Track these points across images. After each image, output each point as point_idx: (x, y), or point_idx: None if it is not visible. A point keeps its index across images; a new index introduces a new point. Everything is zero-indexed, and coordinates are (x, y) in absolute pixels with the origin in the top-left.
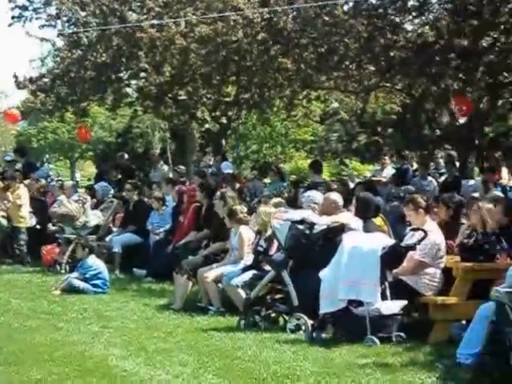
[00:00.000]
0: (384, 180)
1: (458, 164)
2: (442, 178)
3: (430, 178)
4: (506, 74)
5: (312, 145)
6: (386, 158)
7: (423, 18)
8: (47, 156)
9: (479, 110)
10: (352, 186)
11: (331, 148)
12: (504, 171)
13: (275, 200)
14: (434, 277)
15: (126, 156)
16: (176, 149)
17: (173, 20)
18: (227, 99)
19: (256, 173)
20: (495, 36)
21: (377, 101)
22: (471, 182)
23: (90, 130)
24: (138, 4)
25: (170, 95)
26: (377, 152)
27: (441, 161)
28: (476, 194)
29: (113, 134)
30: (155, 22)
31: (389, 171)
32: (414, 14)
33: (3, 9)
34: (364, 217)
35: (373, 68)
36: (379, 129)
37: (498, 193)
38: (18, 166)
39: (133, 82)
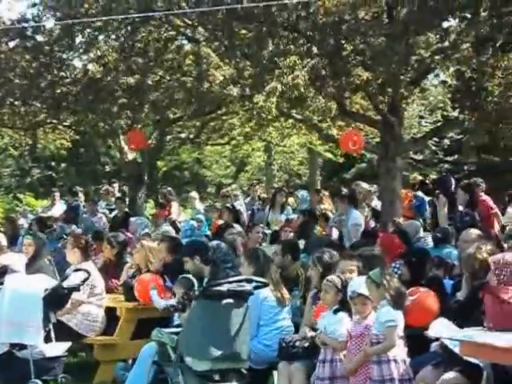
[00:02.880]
0: (56, 216)
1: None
2: (113, 213)
3: (99, 215)
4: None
5: None
6: (57, 193)
7: (91, 54)
8: None
9: (149, 145)
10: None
11: (4, 183)
12: (175, 205)
13: None
14: (96, 317)
15: None
16: None
17: None
18: None
19: None
20: (160, 74)
21: (46, 136)
22: (142, 218)
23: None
24: None
25: None
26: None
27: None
28: (147, 230)
29: None
30: None
31: (60, 207)
32: (81, 50)
33: None
34: (33, 257)
35: (39, 105)
36: (53, 163)
37: (169, 228)
38: None
39: None
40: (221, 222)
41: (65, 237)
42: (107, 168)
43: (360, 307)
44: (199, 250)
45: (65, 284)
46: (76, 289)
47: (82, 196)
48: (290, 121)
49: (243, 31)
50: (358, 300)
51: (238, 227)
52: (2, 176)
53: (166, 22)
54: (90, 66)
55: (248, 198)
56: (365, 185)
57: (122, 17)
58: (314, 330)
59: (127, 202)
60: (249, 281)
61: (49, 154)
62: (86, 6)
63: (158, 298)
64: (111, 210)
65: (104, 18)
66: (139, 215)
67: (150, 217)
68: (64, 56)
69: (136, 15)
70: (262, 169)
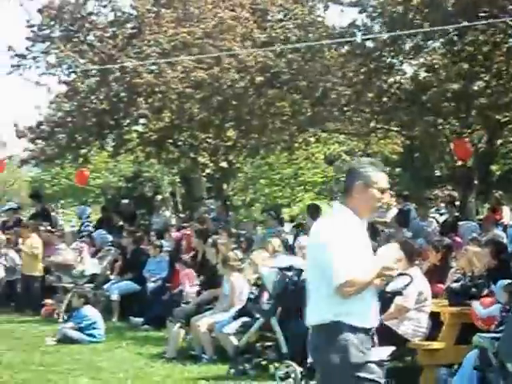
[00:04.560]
0: (388, 221)
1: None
2: (442, 217)
3: (430, 219)
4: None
5: (321, 186)
6: (392, 199)
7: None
8: (62, 202)
9: (479, 150)
10: None
11: (341, 188)
12: (506, 210)
13: (272, 245)
14: (420, 322)
15: (127, 201)
16: (185, 193)
17: (170, 59)
18: (227, 143)
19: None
20: (486, 79)
21: (378, 142)
22: (471, 222)
23: (88, 176)
24: (136, 51)
25: (170, 140)
26: None
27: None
28: (475, 234)
29: (121, 179)
30: (151, 66)
31: (394, 212)
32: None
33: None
34: None
35: (369, 111)
36: (387, 168)
37: (500, 232)
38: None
39: (133, 128)
40: None
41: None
42: (438, 172)
43: None
44: None
45: (388, 288)
46: (399, 293)
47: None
48: None
49: None
50: None
51: None
52: (339, 181)
53: (491, 25)
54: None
55: None
56: None
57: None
58: None
59: (457, 207)
60: None
61: (383, 159)
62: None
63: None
64: (441, 215)
65: (426, 30)
66: (469, 219)
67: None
68: (393, 61)
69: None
70: None
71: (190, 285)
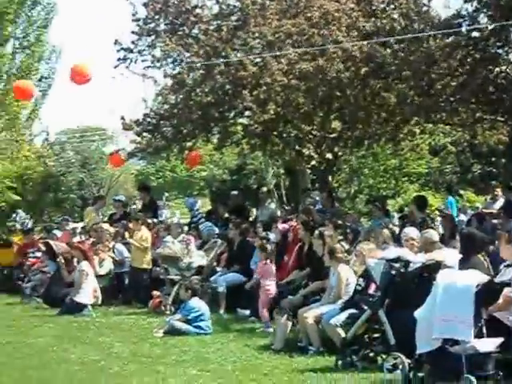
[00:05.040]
0: (495, 212)
1: None
2: None
3: None
4: None
5: (426, 177)
6: (499, 189)
7: None
8: (166, 194)
9: None
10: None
11: (445, 180)
12: None
13: (382, 236)
14: None
15: (236, 193)
16: (289, 185)
17: (276, 53)
18: (332, 135)
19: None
20: None
21: (484, 132)
22: None
23: (201, 157)
24: (241, 43)
25: (275, 132)
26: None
27: None
28: None
29: (225, 172)
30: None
31: (500, 203)
32: None
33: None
34: (466, 253)
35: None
36: (493, 159)
37: None
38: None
39: (239, 120)
40: None
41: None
42: None
43: None
44: None
45: (497, 279)
46: (507, 284)
47: None
48: None
49: None
50: None
51: None
52: (444, 173)
53: None
54: None
55: None
56: None
57: None
58: None
59: None
60: None
61: (488, 149)
62: None
63: None
64: None
65: None
66: None
67: None
68: (499, 51)
69: None
70: None
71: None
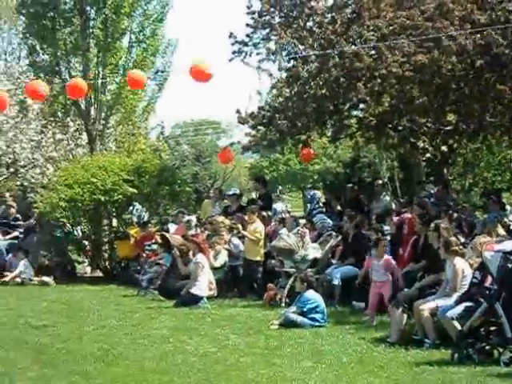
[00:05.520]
0: None
1: None
2: None
3: None
4: None
5: None
6: None
7: None
8: (280, 187)
9: None
10: None
11: None
12: None
13: (495, 230)
14: None
15: (351, 185)
16: (403, 178)
17: (390, 42)
18: (447, 128)
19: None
20: None
21: None
22: None
23: (314, 153)
24: (355, 36)
25: (390, 125)
26: None
27: None
28: None
29: (339, 165)
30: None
31: None
32: None
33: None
34: None
35: None
36: None
37: None
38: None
39: (353, 113)
40: None
41: None
42: None
43: None
44: None
45: None
46: None
47: None
48: None
49: None
50: None
51: None
52: None
53: None
54: None
55: None
56: None
57: None
58: None
59: None
60: None
61: None
62: None
63: None
64: None
65: None
66: None
67: None
68: None
69: None
70: None
71: None
